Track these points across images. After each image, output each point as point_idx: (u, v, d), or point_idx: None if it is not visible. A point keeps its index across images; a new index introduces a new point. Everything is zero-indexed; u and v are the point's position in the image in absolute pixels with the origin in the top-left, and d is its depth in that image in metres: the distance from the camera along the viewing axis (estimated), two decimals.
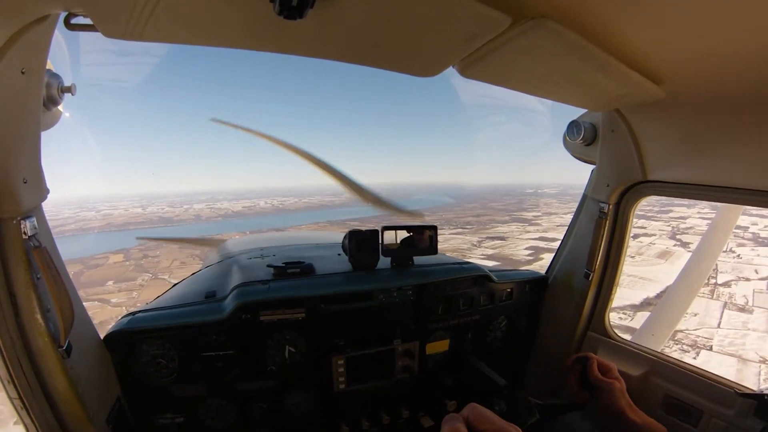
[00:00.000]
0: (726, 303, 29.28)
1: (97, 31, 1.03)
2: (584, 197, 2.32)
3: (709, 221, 5.88)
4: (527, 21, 1.01)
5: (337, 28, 1.05)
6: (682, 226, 57.32)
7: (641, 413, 1.44)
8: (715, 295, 30.39)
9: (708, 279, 30.83)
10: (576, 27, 1.04)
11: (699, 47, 1.10)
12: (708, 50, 1.10)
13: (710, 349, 23.36)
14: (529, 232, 65.22)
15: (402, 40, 1.13)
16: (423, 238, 2.24)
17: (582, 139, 2.13)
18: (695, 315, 26.94)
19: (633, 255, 41.52)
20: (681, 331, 24.70)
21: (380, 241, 2.15)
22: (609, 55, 1.17)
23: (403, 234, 2.20)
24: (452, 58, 1.25)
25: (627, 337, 2.32)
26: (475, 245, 57.32)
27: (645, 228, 55.27)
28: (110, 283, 45.02)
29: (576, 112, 2.16)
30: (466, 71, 1.32)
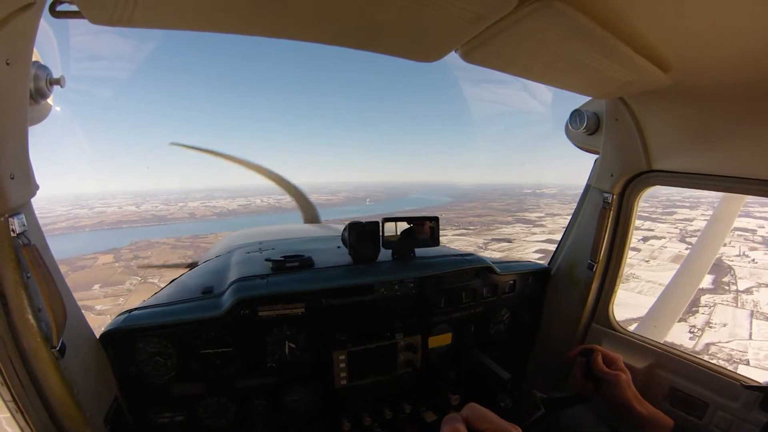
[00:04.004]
0: (753, 312, 28.06)
1: (83, 17, 0.98)
2: (587, 187, 2.27)
3: None
4: (534, 2, 0.96)
5: (335, 8, 1.00)
6: (690, 228, 56.32)
7: (648, 405, 1.42)
8: (739, 303, 29.20)
9: (729, 286, 29.56)
10: (584, 9, 1.00)
11: (710, 35, 1.07)
12: (718, 38, 1.07)
13: (747, 363, 21.92)
14: (534, 233, 63.72)
15: (404, 22, 1.07)
16: (424, 229, 2.18)
17: (585, 128, 2.08)
18: (725, 325, 25.73)
19: (648, 260, 40.34)
20: (714, 344, 23.45)
21: (380, 233, 2.10)
22: (617, 39, 1.13)
23: (403, 225, 2.14)
24: (455, 41, 1.20)
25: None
26: (481, 247, 55.68)
27: (653, 230, 54.09)
28: (97, 287, 43.17)
29: (575, 106, 2.12)
30: (468, 56, 1.27)
